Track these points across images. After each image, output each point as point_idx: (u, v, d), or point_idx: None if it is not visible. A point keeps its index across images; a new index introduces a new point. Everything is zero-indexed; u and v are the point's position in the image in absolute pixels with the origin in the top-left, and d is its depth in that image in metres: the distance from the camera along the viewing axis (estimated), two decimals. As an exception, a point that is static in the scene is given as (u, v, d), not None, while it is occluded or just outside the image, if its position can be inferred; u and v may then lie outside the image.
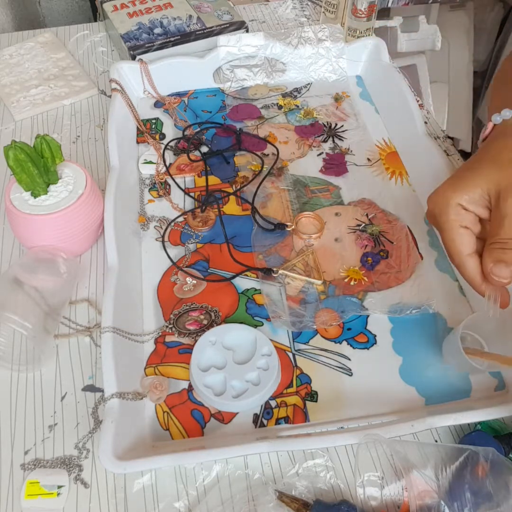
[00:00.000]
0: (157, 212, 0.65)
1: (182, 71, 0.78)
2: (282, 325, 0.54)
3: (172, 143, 0.72)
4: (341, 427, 0.47)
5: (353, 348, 0.53)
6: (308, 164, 0.70)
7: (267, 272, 0.58)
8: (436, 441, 0.47)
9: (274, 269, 0.58)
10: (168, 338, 0.54)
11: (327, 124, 0.75)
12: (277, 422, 0.49)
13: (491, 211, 0.48)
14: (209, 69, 0.79)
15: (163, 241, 0.62)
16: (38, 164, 0.55)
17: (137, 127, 0.74)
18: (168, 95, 0.79)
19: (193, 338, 0.54)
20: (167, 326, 0.55)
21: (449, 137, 0.74)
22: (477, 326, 0.50)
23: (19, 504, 0.44)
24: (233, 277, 0.58)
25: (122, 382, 0.47)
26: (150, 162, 0.70)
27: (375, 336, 0.54)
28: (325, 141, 0.73)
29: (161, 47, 0.80)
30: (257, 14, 0.97)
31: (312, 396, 0.50)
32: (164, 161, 0.70)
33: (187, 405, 0.50)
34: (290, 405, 0.50)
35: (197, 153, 0.71)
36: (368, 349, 0.53)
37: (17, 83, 0.82)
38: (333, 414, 0.49)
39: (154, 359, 0.53)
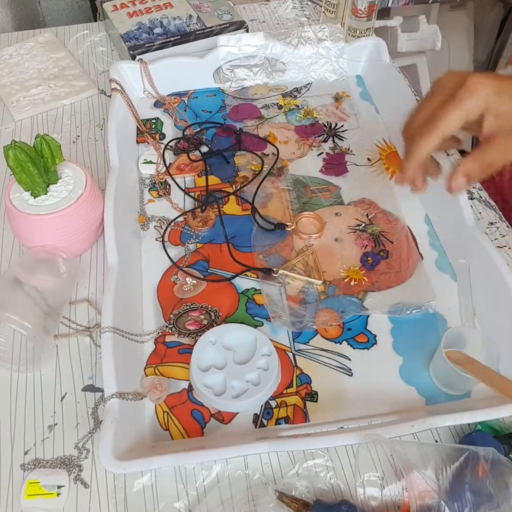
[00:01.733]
0: (157, 212, 0.65)
1: (182, 71, 0.78)
2: (282, 325, 0.54)
3: (172, 143, 0.72)
4: (341, 427, 0.47)
5: (353, 348, 0.53)
6: (308, 164, 0.70)
7: (267, 272, 0.58)
8: (436, 441, 0.47)
9: (274, 269, 0.58)
10: (168, 338, 0.54)
11: (327, 124, 0.75)
12: (277, 422, 0.49)
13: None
14: (209, 69, 0.79)
15: (163, 241, 0.62)
16: (38, 164, 0.55)
17: (137, 127, 0.74)
18: (168, 95, 0.79)
19: (193, 338, 0.54)
20: (167, 326, 0.55)
21: (449, 137, 0.73)
22: (457, 342, 0.50)
23: (19, 504, 0.44)
24: (233, 277, 0.58)
25: (122, 382, 0.47)
26: (150, 162, 0.70)
27: (375, 336, 0.54)
28: (325, 141, 0.73)
29: (161, 47, 0.80)
30: (257, 14, 0.97)
31: (312, 396, 0.50)
32: (164, 161, 0.70)
33: (187, 405, 0.50)
34: (290, 405, 0.50)
35: (197, 153, 0.71)
36: (368, 349, 0.53)
37: (17, 83, 0.82)
38: (333, 414, 0.49)
39: (154, 359, 0.53)
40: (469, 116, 0.47)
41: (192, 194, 0.67)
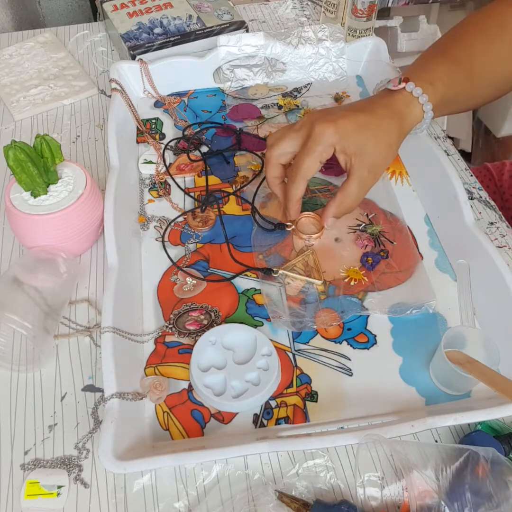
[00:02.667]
0: (157, 212, 0.65)
1: (182, 71, 0.78)
2: (282, 325, 0.54)
3: (172, 143, 0.72)
4: (341, 427, 0.47)
5: (353, 348, 0.53)
6: (308, 164, 0.70)
7: (267, 272, 0.58)
8: (436, 441, 0.47)
9: (274, 269, 0.58)
10: (168, 338, 0.54)
11: (327, 124, 0.75)
12: (277, 422, 0.49)
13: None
14: (209, 69, 0.79)
15: (163, 241, 0.62)
16: (38, 164, 0.55)
17: (137, 127, 0.74)
18: (168, 95, 0.79)
19: (193, 338, 0.54)
20: (167, 326, 0.55)
21: (449, 137, 0.74)
22: (457, 342, 0.50)
23: (19, 504, 0.44)
24: (233, 277, 0.58)
25: (122, 382, 0.47)
26: (150, 162, 0.70)
27: (375, 336, 0.54)
28: (325, 141, 0.73)
29: (161, 47, 0.80)
30: (257, 14, 0.97)
31: (312, 396, 0.50)
32: (164, 161, 0.70)
33: (187, 405, 0.50)
34: (290, 405, 0.50)
35: (197, 153, 0.71)
36: (368, 349, 0.53)
37: (17, 83, 0.82)
38: (333, 414, 0.49)
39: (154, 359, 0.53)
40: (323, 159, 0.54)
41: (192, 194, 0.67)
